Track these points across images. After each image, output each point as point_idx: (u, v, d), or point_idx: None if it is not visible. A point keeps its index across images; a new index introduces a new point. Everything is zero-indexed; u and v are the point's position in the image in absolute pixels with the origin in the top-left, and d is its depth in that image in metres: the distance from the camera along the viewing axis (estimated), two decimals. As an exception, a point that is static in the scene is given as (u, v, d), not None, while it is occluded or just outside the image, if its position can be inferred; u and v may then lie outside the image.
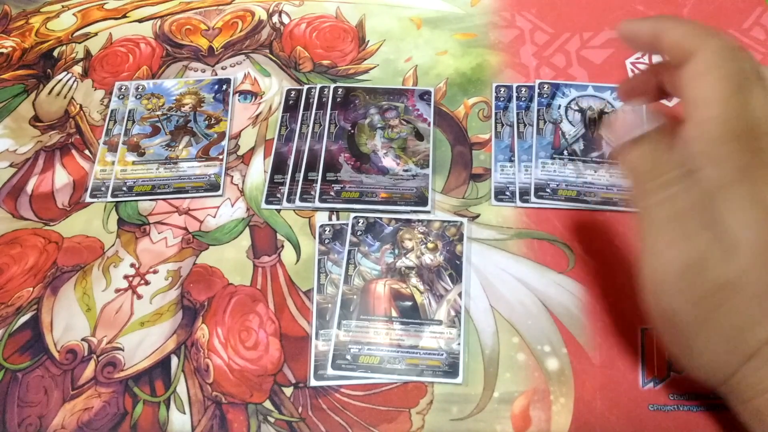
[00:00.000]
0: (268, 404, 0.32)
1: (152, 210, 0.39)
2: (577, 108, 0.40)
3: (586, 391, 0.31)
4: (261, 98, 0.44)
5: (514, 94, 0.41)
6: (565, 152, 0.38)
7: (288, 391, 0.32)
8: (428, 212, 0.37)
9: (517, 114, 0.40)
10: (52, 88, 0.46)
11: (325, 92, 0.43)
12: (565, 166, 0.38)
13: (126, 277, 0.36)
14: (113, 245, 0.38)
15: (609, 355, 0.32)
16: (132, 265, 0.37)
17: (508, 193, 0.38)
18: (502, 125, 0.40)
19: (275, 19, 0.49)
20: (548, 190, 0.37)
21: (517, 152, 0.39)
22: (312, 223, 0.38)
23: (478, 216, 0.37)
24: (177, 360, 0.33)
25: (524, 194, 0.37)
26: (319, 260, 0.36)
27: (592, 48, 0.45)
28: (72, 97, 0.45)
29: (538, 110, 0.40)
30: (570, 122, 0.40)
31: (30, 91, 0.46)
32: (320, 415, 0.31)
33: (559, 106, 0.40)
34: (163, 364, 0.33)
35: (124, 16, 0.50)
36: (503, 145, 0.40)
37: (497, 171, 0.38)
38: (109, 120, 0.43)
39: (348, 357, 0.32)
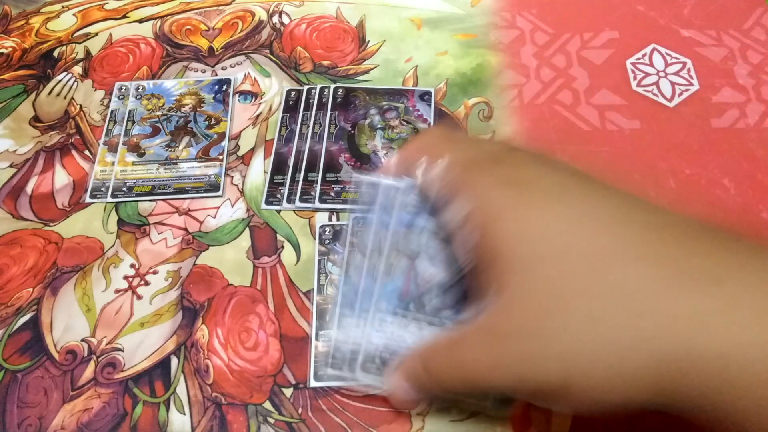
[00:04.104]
0: (267, 405, 0.32)
1: (152, 210, 0.39)
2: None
3: (587, 392, 0.31)
4: (261, 99, 0.44)
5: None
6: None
7: (288, 392, 0.32)
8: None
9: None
10: (52, 89, 0.46)
11: (326, 93, 0.43)
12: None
13: (126, 277, 0.36)
14: (113, 246, 0.38)
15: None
16: (132, 266, 0.37)
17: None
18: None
19: (275, 19, 0.49)
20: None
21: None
22: (312, 224, 0.38)
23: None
24: (177, 361, 0.33)
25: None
26: (319, 261, 0.36)
27: (593, 48, 0.45)
28: (72, 98, 0.45)
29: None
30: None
31: (30, 91, 0.46)
32: (320, 416, 0.31)
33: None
34: (163, 364, 0.33)
35: (124, 17, 0.50)
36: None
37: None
38: (109, 120, 0.43)
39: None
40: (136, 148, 0.41)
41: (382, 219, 0.27)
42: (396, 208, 0.27)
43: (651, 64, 0.44)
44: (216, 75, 0.45)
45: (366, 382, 0.27)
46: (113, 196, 0.39)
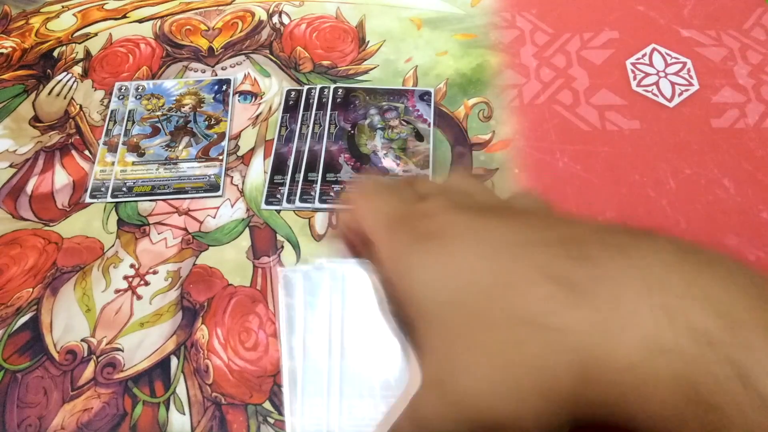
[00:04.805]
0: (267, 405, 0.32)
1: (152, 210, 0.39)
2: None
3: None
4: (261, 99, 0.44)
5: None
6: None
7: (288, 392, 0.32)
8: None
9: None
10: (52, 89, 0.46)
11: (325, 93, 0.43)
12: None
13: (126, 277, 0.36)
14: (113, 246, 0.38)
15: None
16: (132, 266, 0.37)
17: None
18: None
19: (275, 19, 0.49)
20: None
21: None
22: (312, 224, 0.38)
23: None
24: (177, 361, 0.33)
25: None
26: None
27: (593, 48, 0.45)
28: (72, 98, 0.45)
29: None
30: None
31: (30, 91, 0.46)
32: (320, 416, 0.31)
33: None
34: (163, 364, 0.33)
35: (124, 17, 0.50)
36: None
37: None
38: (109, 120, 0.43)
39: None
40: (136, 148, 0.41)
41: (333, 300, 0.27)
42: (339, 288, 0.27)
43: (651, 64, 0.44)
44: (216, 75, 0.45)
45: None
46: (113, 196, 0.39)
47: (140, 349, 0.34)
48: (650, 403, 0.17)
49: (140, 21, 0.50)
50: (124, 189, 0.39)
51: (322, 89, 0.43)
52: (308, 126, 0.41)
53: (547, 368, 0.19)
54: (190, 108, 0.43)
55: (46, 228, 0.39)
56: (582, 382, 0.19)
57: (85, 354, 0.34)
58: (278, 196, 0.38)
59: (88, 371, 0.33)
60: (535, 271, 0.20)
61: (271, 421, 0.31)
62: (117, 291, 0.36)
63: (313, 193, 0.38)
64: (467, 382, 0.20)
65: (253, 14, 0.49)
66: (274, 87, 0.44)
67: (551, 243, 0.20)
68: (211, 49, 0.47)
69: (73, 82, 0.46)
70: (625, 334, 0.17)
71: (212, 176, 0.40)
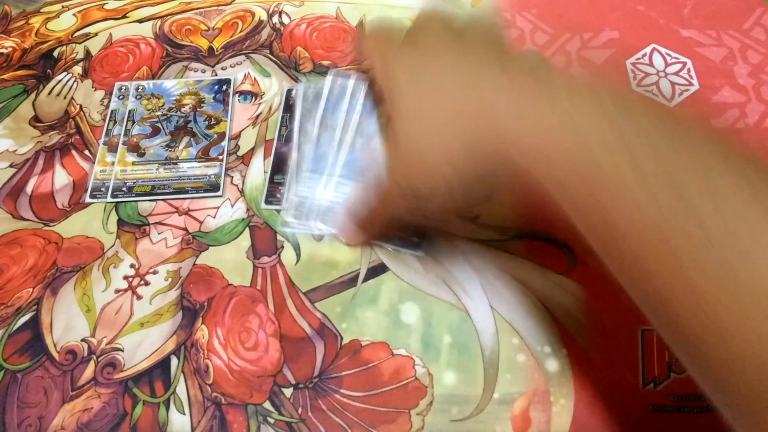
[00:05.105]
0: (267, 405, 0.32)
1: (152, 210, 0.39)
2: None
3: (587, 392, 0.31)
4: (261, 99, 0.44)
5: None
6: None
7: (288, 391, 0.32)
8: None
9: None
10: (52, 89, 0.46)
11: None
12: None
13: (126, 277, 0.36)
14: (113, 246, 0.38)
15: (609, 356, 0.32)
16: (132, 266, 0.37)
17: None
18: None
19: (275, 19, 0.49)
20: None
21: None
22: (312, 224, 0.37)
23: (477, 216, 0.37)
24: (177, 361, 0.33)
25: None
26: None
27: (593, 48, 0.45)
28: (72, 98, 0.45)
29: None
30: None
31: (30, 91, 0.46)
32: (320, 416, 0.31)
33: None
34: (163, 364, 0.33)
35: (124, 17, 0.50)
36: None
37: None
38: (109, 120, 0.43)
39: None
40: (136, 148, 0.41)
41: (334, 104, 0.35)
42: (347, 97, 0.35)
43: (651, 64, 0.44)
44: (216, 75, 0.45)
45: (323, 229, 0.36)
46: (113, 196, 0.39)
47: (140, 349, 0.34)
48: (554, 168, 0.24)
49: (140, 21, 0.50)
50: (124, 189, 0.39)
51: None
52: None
53: (477, 129, 0.25)
54: (190, 108, 0.43)
55: (46, 228, 0.39)
56: (502, 148, 0.25)
57: (85, 354, 0.34)
58: (278, 195, 0.38)
59: (88, 371, 0.33)
60: (490, 68, 0.26)
61: (271, 421, 0.31)
62: (117, 291, 0.36)
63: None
64: (416, 137, 0.27)
65: (253, 14, 0.49)
66: (274, 87, 0.44)
67: (504, 60, 0.26)
68: (211, 49, 0.47)
69: (73, 82, 0.46)
70: (541, 114, 0.24)
71: (212, 176, 0.40)
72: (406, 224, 0.36)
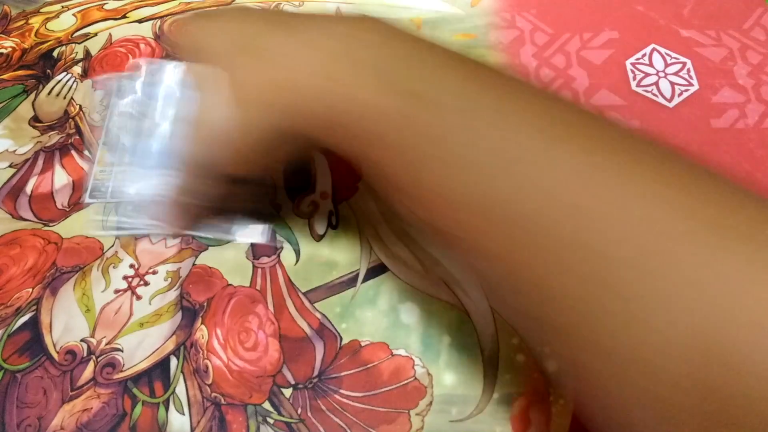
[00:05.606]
0: (267, 405, 0.32)
1: (152, 211, 0.39)
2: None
3: (586, 393, 0.31)
4: (261, 99, 0.44)
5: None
6: None
7: (287, 392, 0.32)
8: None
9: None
10: (52, 89, 0.46)
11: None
12: None
13: (125, 277, 0.36)
14: (112, 246, 0.38)
15: (609, 357, 0.32)
16: (131, 266, 0.37)
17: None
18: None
19: (275, 19, 0.49)
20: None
21: None
22: (312, 224, 0.37)
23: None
24: (176, 361, 0.33)
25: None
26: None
27: (592, 48, 0.45)
28: (72, 98, 0.45)
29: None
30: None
31: (30, 91, 0.46)
32: (319, 416, 0.31)
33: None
34: (163, 365, 0.33)
35: (124, 17, 0.50)
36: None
37: None
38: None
39: None
40: (135, 148, 0.41)
41: (148, 91, 0.35)
42: (163, 82, 0.34)
43: (651, 65, 0.44)
44: (216, 75, 0.45)
45: (149, 225, 0.36)
46: (113, 196, 0.39)
47: (140, 349, 0.34)
48: (320, 120, 0.25)
49: (140, 21, 0.50)
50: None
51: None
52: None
53: (269, 86, 0.26)
54: (189, 108, 0.43)
55: (46, 228, 0.39)
56: (292, 102, 0.26)
57: (85, 354, 0.34)
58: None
59: (88, 371, 0.33)
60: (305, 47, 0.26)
61: (271, 421, 0.31)
62: (117, 291, 0.36)
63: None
64: (225, 98, 0.28)
65: (252, 14, 0.49)
66: (274, 87, 0.44)
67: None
68: (210, 49, 0.47)
69: (73, 83, 0.46)
70: (310, 73, 0.25)
71: (212, 176, 0.40)
72: (216, 210, 0.36)
